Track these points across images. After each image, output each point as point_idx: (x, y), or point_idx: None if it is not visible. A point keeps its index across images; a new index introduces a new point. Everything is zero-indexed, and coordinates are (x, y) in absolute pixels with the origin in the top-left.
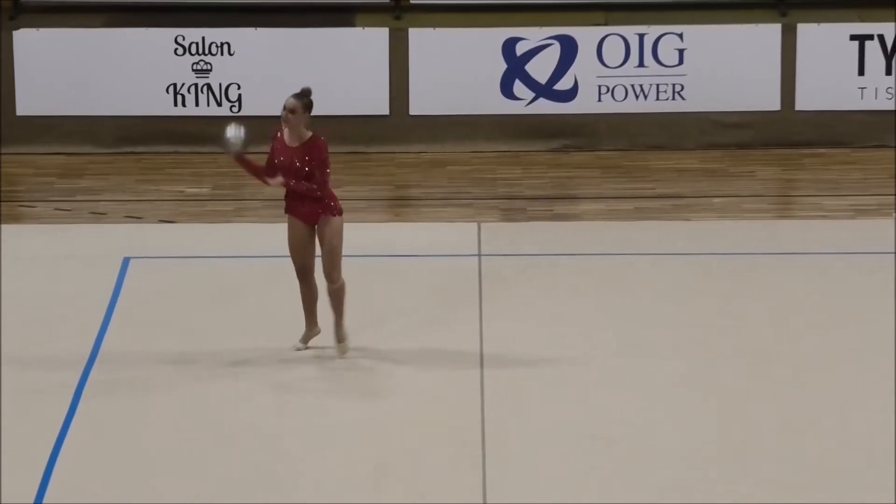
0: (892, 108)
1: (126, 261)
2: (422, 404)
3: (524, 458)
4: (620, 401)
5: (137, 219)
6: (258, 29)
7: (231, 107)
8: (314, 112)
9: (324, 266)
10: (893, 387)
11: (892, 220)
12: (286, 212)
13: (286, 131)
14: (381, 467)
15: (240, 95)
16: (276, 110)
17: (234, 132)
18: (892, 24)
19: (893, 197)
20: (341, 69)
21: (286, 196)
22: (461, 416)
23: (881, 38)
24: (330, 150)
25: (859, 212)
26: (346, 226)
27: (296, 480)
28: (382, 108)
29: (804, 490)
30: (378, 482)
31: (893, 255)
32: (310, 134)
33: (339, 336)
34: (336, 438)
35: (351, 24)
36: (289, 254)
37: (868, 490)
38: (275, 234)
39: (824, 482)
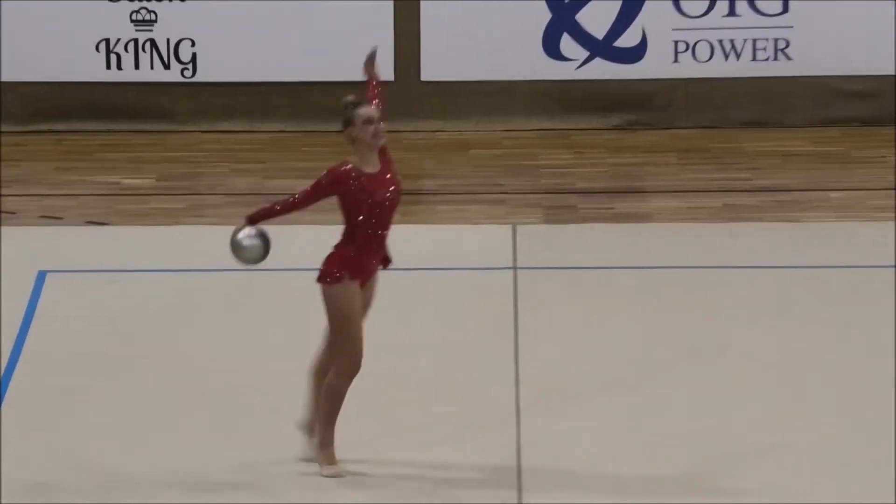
0: None
1: (42, 275)
2: (451, 450)
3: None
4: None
5: (57, 219)
6: None
7: (183, 70)
8: (297, 78)
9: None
10: None
11: None
12: (353, 276)
13: (363, 158)
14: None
15: (194, 55)
16: (240, 76)
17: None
18: None
19: None
20: (329, 21)
21: (358, 253)
22: (494, 456)
23: None
24: (315, 127)
25: None
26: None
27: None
28: (385, 71)
29: None
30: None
31: None
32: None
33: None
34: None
35: None
36: (352, 337)
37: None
38: None
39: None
